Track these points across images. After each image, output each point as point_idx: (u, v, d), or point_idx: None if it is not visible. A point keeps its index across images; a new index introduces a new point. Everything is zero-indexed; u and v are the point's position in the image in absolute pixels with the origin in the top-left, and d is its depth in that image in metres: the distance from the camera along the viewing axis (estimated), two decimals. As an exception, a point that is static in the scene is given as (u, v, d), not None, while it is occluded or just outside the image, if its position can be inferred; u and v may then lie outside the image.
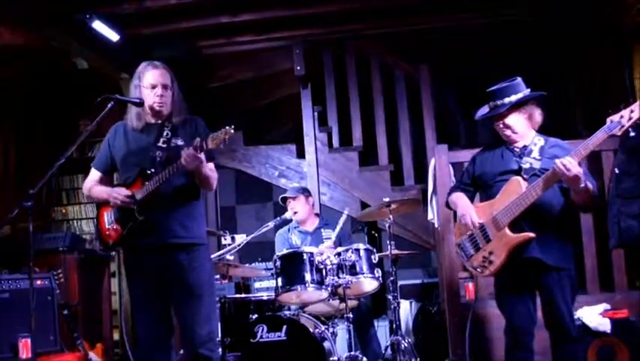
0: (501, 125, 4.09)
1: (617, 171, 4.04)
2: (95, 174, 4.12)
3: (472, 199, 4.31)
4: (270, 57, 7.84)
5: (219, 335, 5.30)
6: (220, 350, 4.93)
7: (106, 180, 4.12)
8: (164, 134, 3.90)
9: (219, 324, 5.35)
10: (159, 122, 3.96)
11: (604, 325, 4.93)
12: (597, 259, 5.44)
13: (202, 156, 3.63)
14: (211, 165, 3.88)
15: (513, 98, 4.01)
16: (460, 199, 4.27)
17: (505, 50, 7.91)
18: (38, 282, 5.36)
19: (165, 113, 3.94)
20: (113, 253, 4.04)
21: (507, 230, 3.94)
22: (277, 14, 6.93)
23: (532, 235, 3.88)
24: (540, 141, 4.09)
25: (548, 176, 3.81)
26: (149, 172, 3.82)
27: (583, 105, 7.44)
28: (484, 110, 4.20)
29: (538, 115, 4.11)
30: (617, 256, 5.40)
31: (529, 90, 4.07)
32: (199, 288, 3.84)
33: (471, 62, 8.13)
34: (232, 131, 3.52)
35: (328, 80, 7.72)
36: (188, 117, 4.00)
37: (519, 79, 4.10)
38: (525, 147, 4.09)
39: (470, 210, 4.14)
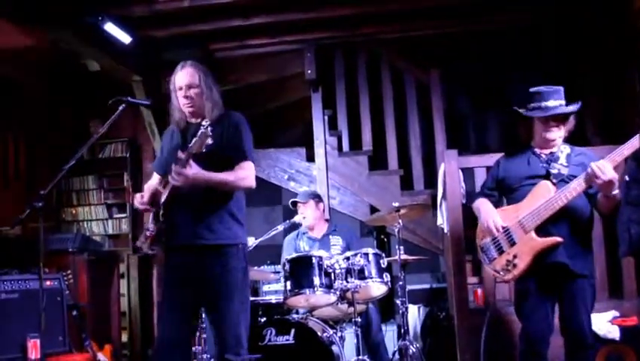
0: (554, 127, 4.08)
1: (627, 178, 4.03)
2: (154, 177, 4.11)
3: (496, 204, 4.29)
4: (281, 60, 7.85)
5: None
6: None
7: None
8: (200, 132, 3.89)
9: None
10: (198, 121, 3.87)
11: (613, 332, 4.91)
12: (606, 267, 5.41)
13: (187, 170, 3.54)
14: (245, 163, 3.83)
15: (563, 102, 4.06)
16: (482, 205, 4.27)
17: (515, 55, 7.90)
18: (48, 282, 5.37)
19: (198, 111, 3.91)
20: (151, 252, 4.00)
21: (533, 234, 3.95)
22: (288, 18, 6.96)
23: (559, 239, 3.89)
24: (566, 148, 4.13)
25: (580, 181, 3.83)
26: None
27: (593, 110, 7.40)
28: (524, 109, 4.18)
29: (571, 123, 4.15)
30: (626, 263, 5.37)
31: None
32: (228, 291, 3.77)
33: (479, 66, 8.12)
34: (208, 131, 3.47)
35: (339, 84, 7.73)
36: (224, 114, 3.95)
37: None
38: (552, 153, 4.11)
39: (493, 215, 4.14)
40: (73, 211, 8.64)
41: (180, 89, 3.90)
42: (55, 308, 5.41)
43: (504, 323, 5.19)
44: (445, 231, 5.89)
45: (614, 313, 5.08)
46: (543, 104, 4.06)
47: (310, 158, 7.83)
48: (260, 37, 7.42)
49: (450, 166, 5.62)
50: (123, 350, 7.30)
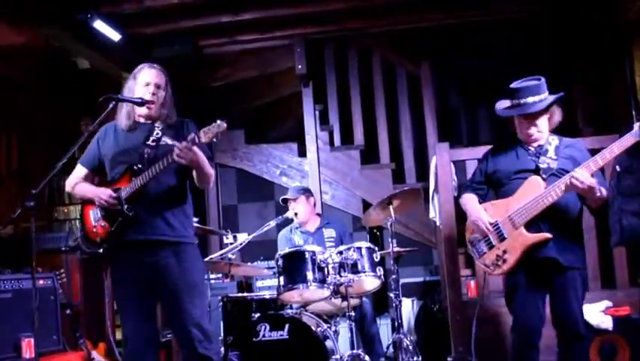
0: (530, 124, 4.05)
1: (618, 168, 4.04)
2: (80, 171, 4.12)
3: (484, 198, 4.29)
4: (271, 56, 7.84)
5: (221, 333, 5.31)
6: (222, 348, 4.94)
7: (91, 178, 4.13)
8: (155, 133, 3.90)
9: (221, 323, 5.37)
10: (150, 122, 3.97)
11: (606, 322, 4.94)
12: (599, 257, 5.44)
13: (196, 149, 3.63)
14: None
15: (544, 96, 4.00)
16: (469, 202, 4.26)
17: (507, 47, 7.90)
18: (41, 282, 5.37)
19: (154, 114, 3.95)
20: (100, 250, 3.99)
21: (523, 229, 3.96)
22: (278, 13, 6.95)
23: (549, 235, 3.90)
24: (555, 140, 4.11)
25: (562, 183, 3.84)
26: (136, 168, 3.82)
27: (584, 102, 7.43)
28: (505, 105, 4.13)
29: (558, 115, 4.11)
30: (618, 253, 5.40)
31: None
32: (190, 288, 3.82)
33: (473, 59, 8.12)
34: (225, 125, 3.56)
35: (330, 78, 7.72)
36: (180, 119, 4.01)
37: (543, 79, 4.09)
38: (540, 146, 4.09)
39: (481, 215, 4.14)
40: (66, 210, 8.61)
41: (148, 84, 3.93)
42: (49, 307, 5.42)
43: (495, 315, 5.22)
44: (438, 224, 5.90)
45: (606, 303, 5.11)
46: (522, 100, 4.03)
47: (302, 153, 7.82)
48: (250, 33, 7.41)
49: (442, 159, 5.64)
50: (117, 347, 7.28)
